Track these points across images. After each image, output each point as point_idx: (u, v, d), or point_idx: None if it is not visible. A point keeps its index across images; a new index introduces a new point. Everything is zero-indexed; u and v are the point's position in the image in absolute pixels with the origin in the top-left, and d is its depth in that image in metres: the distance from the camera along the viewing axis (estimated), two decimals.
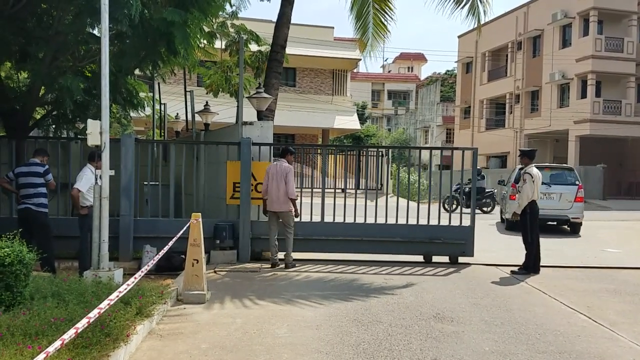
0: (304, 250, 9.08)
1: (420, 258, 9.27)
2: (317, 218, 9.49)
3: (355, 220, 9.34)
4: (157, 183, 9.42)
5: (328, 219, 9.38)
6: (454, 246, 9.21)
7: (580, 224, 14.25)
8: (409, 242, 9.24)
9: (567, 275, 8.52)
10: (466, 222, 9.32)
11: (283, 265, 8.58)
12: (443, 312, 6.12)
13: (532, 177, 8.52)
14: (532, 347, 5.03)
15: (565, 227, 14.46)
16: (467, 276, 8.23)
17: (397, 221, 9.36)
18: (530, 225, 8.54)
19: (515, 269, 8.58)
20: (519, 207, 8.55)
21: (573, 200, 14.06)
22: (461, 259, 9.18)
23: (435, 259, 9.25)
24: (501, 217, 15.96)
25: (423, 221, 9.36)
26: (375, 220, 9.45)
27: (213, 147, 10.28)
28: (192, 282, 6.41)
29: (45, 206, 7.51)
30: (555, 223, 14.24)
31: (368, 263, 9.00)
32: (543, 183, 15.56)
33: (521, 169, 9.05)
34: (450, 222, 9.36)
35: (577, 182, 14.50)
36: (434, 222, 9.32)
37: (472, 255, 9.20)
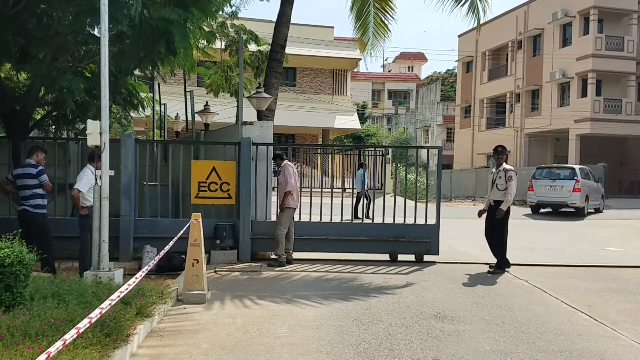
0: (270, 250, 9.16)
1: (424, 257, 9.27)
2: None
3: (321, 219, 9.37)
4: (157, 183, 9.42)
5: (307, 218, 9.43)
6: (419, 245, 9.22)
7: (583, 208, 18.98)
8: (375, 241, 9.25)
9: (568, 275, 8.50)
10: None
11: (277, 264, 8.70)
12: (444, 312, 6.11)
13: (516, 175, 8.53)
14: (533, 346, 5.02)
15: (573, 210, 19.24)
16: (431, 273, 8.23)
17: (363, 220, 9.35)
18: (507, 224, 8.56)
19: (491, 269, 8.55)
20: (506, 203, 8.42)
21: (572, 191, 18.77)
22: (427, 258, 9.22)
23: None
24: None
25: (399, 220, 9.39)
26: (341, 219, 9.45)
27: (213, 148, 10.27)
28: (193, 283, 6.41)
29: (43, 207, 7.46)
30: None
31: (365, 262, 9.01)
32: (549, 178, 19.68)
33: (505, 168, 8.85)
34: (415, 221, 9.35)
35: (575, 178, 18.94)
36: (401, 221, 9.35)
37: (438, 254, 9.22)
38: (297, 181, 9.11)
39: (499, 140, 36.47)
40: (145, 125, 25.26)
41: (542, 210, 20.11)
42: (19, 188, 7.44)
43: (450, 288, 7.39)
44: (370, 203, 13.84)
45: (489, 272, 8.43)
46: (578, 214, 18.93)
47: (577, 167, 20.27)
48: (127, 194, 8.82)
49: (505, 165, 8.63)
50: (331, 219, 9.40)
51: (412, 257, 9.24)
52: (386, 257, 9.26)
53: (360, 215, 14.84)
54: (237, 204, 9.19)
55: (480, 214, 8.98)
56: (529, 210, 20.33)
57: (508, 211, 8.48)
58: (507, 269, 8.53)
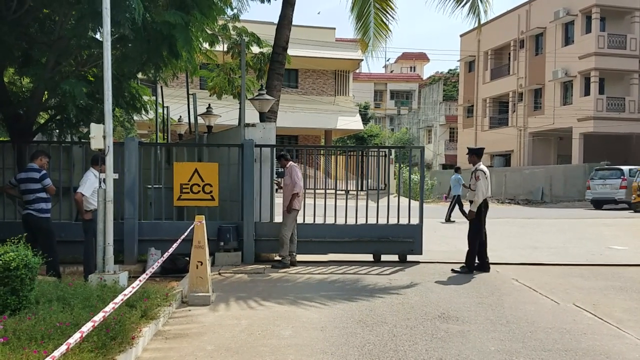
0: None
1: (425, 257, 9.26)
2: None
3: (304, 220, 9.37)
4: (161, 186, 9.44)
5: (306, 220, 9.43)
6: (402, 244, 9.24)
7: (629, 202, 22.16)
8: (358, 241, 9.26)
9: (572, 273, 8.49)
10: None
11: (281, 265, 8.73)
12: (448, 312, 6.11)
13: (485, 174, 8.48)
14: (538, 345, 5.01)
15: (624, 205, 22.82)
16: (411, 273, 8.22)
17: (346, 221, 9.38)
18: (483, 223, 8.49)
19: (457, 267, 8.49)
20: (474, 204, 8.41)
21: (618, 188, 22.98)
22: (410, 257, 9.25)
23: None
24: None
25: (382, 220, 9.40)
26: (325, 221, 9.48)
27: (216, 150, 10.30)
28: (197, 284, 6.42)
29: (47, 211, 7.46)
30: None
31: (370, 263, 9.02)
32: (602, 177, 23.43)
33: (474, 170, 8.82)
34: (399, 221, 9.34)
35: (622, 177, 22.99)
36: (389, 221, 9.35)
37: (421, 254, 9.24)
38: (301, 181, 9.13)
39: (502, 140, 36.64)
40: (148, 128, 25.32)
41: (605, 206, 23.75)
42: (23, 192, 7.46)
43: (454, 288, 7.38)
44: (459, 207, 16.05)
45: (452, 270, 8.42)
46: (630, 207, 22.12)
47: (625, 167, 23.68)
48: (130, 197, 8.85)
49: (477, 165, 8.60)
50: (314, 220, 9.39)
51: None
52: (386, 256, 9.26)
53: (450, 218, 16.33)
54: (220, 206, 9.21)
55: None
56: (589, 205, 24.58)
57: (479, 211, 8.43)
58: (475, 271, 8.39)
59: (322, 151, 20.79)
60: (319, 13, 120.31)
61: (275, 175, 9.77)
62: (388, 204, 9.26)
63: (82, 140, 10.20)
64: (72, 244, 8.15)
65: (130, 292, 4.35)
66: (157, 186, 9.52)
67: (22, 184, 7.44)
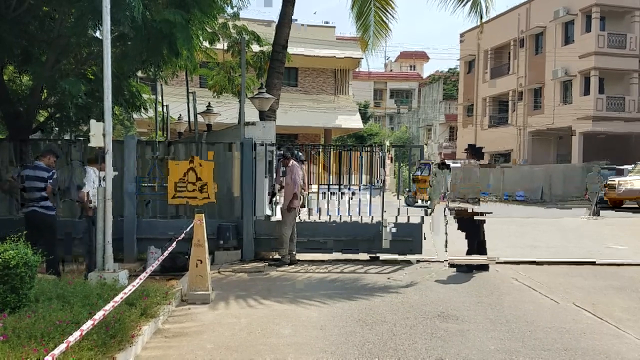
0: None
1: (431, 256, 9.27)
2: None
3: (303, 219, 9.37)
4: (160, 184, 9.42)
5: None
6: (402, 243, 9.20)
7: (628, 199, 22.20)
8: (357, 240, 9.23)
9: (571, 272, 8.49)
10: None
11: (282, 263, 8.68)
12: (447, 311, 6.11)
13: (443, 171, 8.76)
14: (538, 345, 5.01)
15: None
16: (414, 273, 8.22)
17: (341, 220, 9.37)
18: (481, 222, 8.54)
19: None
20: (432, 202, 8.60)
21: None
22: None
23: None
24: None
25: (378, 219, 9.38)
26: (325, 219, 9.48)
27: (215, 148, 10.28)
28: (197, 283, 6.42)
29: (53, 209, 7.43)
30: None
31: (369, 262, 9.03)
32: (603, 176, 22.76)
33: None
34: (397, 220, 9.33)
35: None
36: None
37: (421, 252, 9.22)
38: (301, 180, 9.05)
39: (501, 138, 36.62)
40: (148, 127, 25.30)
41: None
42: (27, 189, 7.41)
43: (454, 287, 7.38)
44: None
45: (450, 265, 8.47)
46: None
47: (625, 167, 23.39)
48: (129, 195, 8.84)
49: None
50: (309, 217, 9.39)
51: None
52: (393, 256, 9.23)
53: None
54: (218, 204, 9.18)
55: None
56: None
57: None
58: (475, 270, 8.36)
59: (320, 149, 20.75)
60: (314, 13, 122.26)
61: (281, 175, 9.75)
62: (386, 204, 9.24)
63: (82, 138, 10.18)
64: (72, 241, 8.15)
65: (130, 290, 4.35)
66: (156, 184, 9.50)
67: (28, 181, 7.39)
